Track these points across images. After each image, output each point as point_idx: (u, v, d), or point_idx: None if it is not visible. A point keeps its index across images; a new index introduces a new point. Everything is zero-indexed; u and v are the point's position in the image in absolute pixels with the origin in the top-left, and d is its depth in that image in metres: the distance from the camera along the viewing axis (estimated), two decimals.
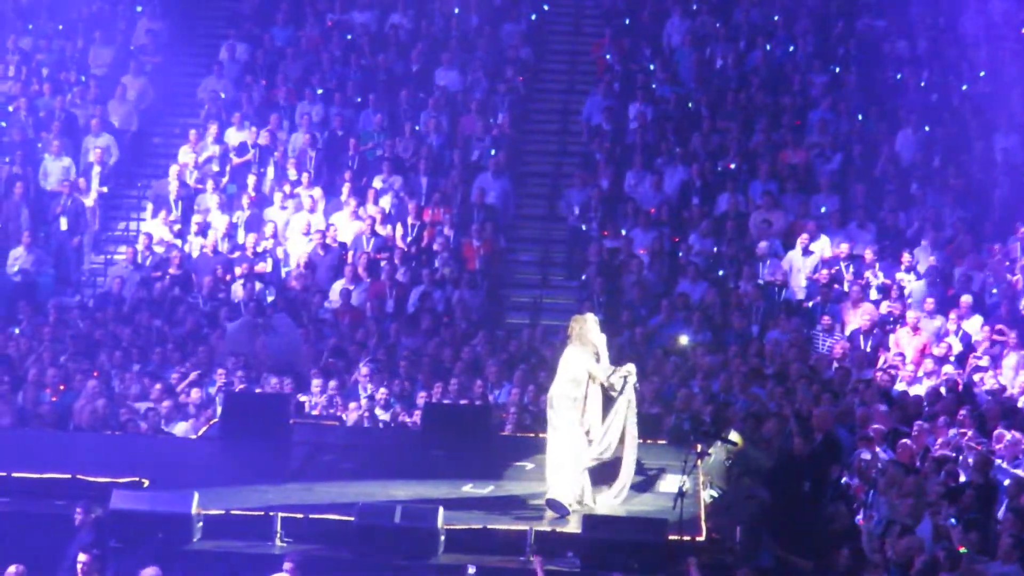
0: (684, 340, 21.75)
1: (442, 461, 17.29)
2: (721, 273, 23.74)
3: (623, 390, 15.39)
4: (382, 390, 19.99)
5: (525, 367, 20.61)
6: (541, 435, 15.60)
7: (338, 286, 23.73)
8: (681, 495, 14.59)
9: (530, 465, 16.54)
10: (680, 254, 24.07)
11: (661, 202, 24.99)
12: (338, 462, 17.28)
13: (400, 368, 20.88)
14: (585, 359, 15.43)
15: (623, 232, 24.58)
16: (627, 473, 15.58)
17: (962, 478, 16.12)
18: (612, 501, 15.43)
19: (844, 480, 16.80)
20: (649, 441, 17.85)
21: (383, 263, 24.15)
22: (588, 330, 15.62)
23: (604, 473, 15.68)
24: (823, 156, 25.61)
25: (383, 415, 19.65)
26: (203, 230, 24.78)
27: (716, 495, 16.04)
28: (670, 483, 15.84)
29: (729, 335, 22.31)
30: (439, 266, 24.12)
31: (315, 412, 19.66)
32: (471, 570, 13.66)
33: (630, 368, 15.60)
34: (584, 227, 24.88)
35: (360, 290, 23.69)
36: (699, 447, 15.71)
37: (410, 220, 25.04)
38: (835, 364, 20.67)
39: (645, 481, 16.36)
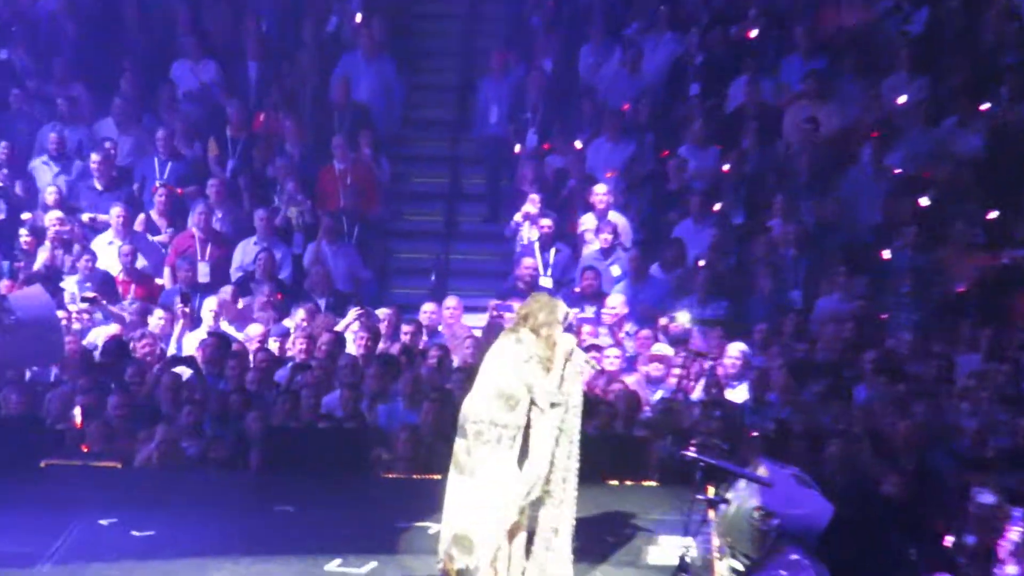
0: (683, 317, 21.88)
1: (292, 520, 17.24)
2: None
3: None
4: (192, 408, 19.68)
5: (425, 369, 20.34)
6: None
7: (107, 241, 23.59)
8: (684, 570, 14.34)
9: (434, 527, 16.27)
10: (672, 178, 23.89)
11: (639, 93, 24.90)
12: (120, 527, 17.06)
13: (227, 370, 20.64)
14: (529, 368, 14.91)
15: (577, 144, 24.32)
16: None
17: None
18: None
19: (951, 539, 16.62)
20: (629, 482, 17.99)
21: (190, 203, 24.10)
22: (550, 322, 15.05)
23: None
24: (898, 13, 25.47)
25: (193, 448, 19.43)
26: None
27: (740, 568, 15.74)
28: (664, 550, 15.85)
29: (755, 306, 22.22)
30: (282, 206, 23.85)
31: (84, 448, 19.46)
32: None
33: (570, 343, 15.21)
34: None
35: (152, 246, 23.55)
36: (711, 490, 15.36)
37: (230, 133, 24.80)
38: None
39: (625, 547, 16.30)
